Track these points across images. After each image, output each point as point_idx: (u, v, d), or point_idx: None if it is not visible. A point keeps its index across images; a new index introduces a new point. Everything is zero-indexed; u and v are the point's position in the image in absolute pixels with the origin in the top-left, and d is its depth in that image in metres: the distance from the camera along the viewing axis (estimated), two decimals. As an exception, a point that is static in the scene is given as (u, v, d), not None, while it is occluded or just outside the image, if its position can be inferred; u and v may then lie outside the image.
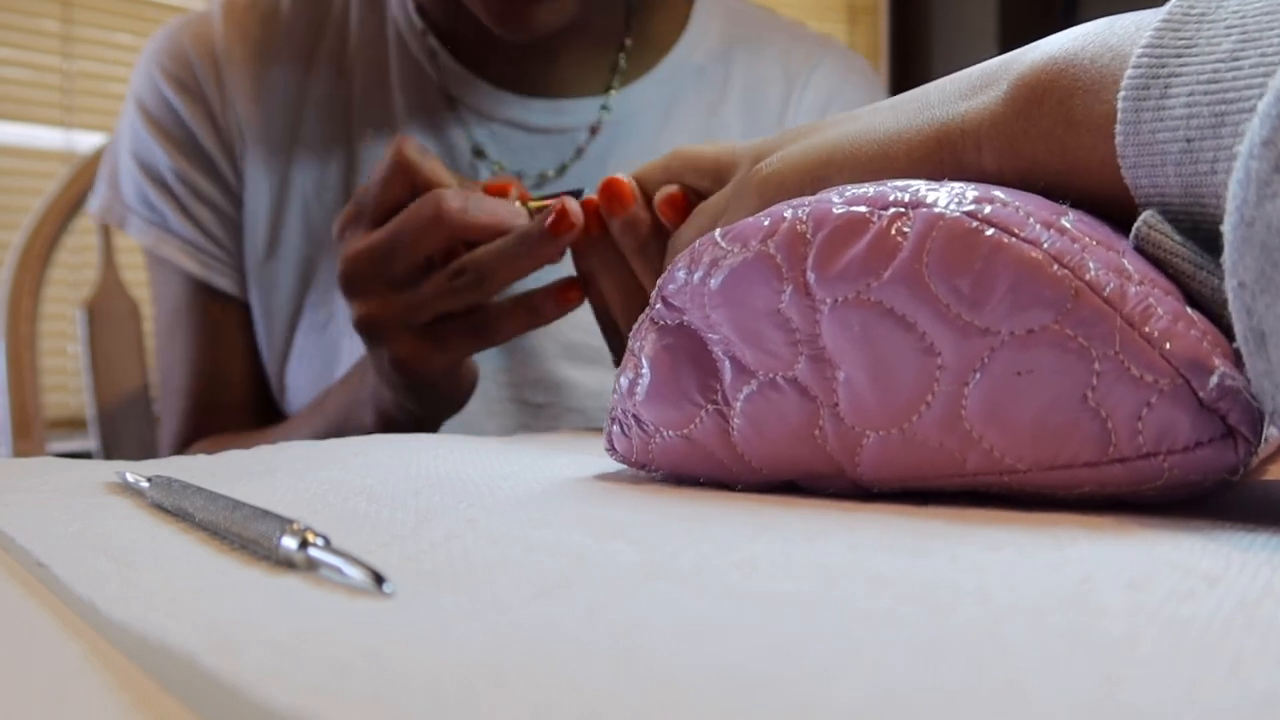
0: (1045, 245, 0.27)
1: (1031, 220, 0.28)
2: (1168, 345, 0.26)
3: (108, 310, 0.91)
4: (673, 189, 0.50)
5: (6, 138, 1.87)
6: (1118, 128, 0.29)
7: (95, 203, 0.77)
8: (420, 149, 0.53)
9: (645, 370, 0.34)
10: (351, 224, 0.54)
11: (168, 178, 0.73)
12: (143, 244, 0.75)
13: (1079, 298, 0.26)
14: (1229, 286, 0.23)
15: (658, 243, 0.51)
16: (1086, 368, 0.26)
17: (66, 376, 1.78)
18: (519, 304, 0.54)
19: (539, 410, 0.73)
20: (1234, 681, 0.14)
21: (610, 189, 0.51)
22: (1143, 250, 0.29)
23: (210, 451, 0.71)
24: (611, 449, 0.36)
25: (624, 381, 0.35)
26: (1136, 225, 0.29)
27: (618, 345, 0.56)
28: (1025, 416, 0.27)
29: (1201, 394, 0.26)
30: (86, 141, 1.91)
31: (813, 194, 0.33)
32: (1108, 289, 0.27)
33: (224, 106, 0.73)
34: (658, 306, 0.34)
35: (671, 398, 0.33)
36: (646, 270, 0.51)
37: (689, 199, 0.50)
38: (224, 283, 0.74)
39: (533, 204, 0.53)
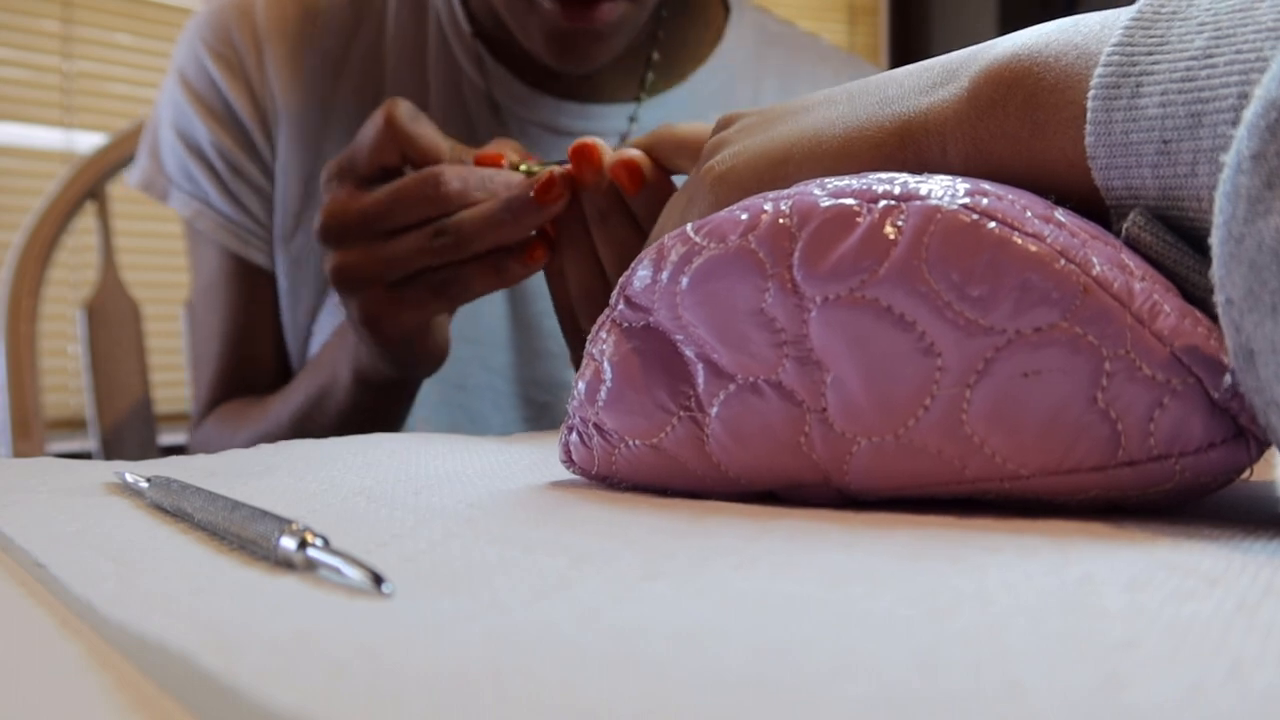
0: (1049, 239, 0.26)
1: (1029, 214, 0.27)
2: (1178, 343, 0.25)
3: (108, 310, 0.91)
4: (632, 153, 0.50)
5: (6, 138, 1.87)
6: (1088, 128, 0.29)
7: (136, 174, 0.78)
8: (412, 113, 0.53)
9: (608, 375, 0.32)
10: (338, 177, 0.54)
11: (208, 153, 0.74)
12: (183, 216, 0.76)
13: (1088, 294, 0.25)
14: (1218, 301, 0.23)
15: (621, 216, 0.51)
16: (1097, 367, 0.25)
17: (66, 376, 1.78)
18: (485, 264, 0.53)
19: (542, 408, 0.75)
20: (1234, 683, 0.14)
21: (581, 152, 0.51)
22: (1133, 250, 0.28)
23: (229, 416, 0.73)
24: (569, 461, 0.34)
25: (582, 387, 0.33)
26: (1125, 225, 0.28)
27: (574, 340, 0.56)
28: (1032, 419, 0.26)
29: (1215, 394, 0.25)
30: (86, 141, 1.91)
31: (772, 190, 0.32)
32: (1115, 285, 0.26)
33: (262, 83, 0.74)
34: (620, 307, 0.32)
35: (638, 405, 0.31)
36: (607, 241, 0.52)
37: (642, 166, 0.50)
38: (259, 257, 0.75)
39: (526, 167, 0.53)
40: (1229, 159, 0.22)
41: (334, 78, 0.75)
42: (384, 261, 0.53)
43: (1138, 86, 0.28)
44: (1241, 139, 0.22)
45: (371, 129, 0.53)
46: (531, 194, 0.51)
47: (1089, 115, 0.29)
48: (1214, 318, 0.26)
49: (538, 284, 0.71)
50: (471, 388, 0.74)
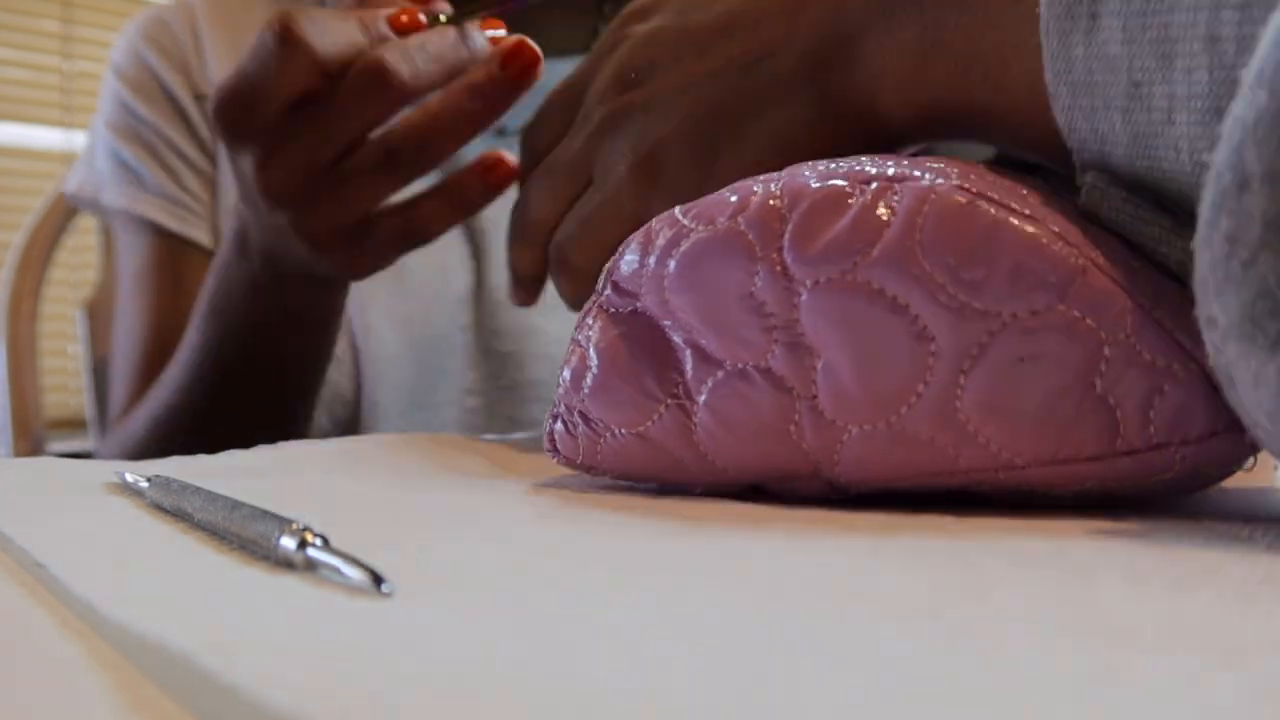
0: (1046, 221, 0.26)
1: (1026, 194, 0.26)
2: (1180, 328, 0.25)
3: (108, 310, 0.91)
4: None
5: (6, 138, 1.88)
6: (1046, 64, 0.27)
7: (70, 183, 0.76)
8: (310, 20, 0.42)
9: (593, 362, 0.31)
10: (241, 118, 0.44)
11: (144, 132, 0.73)
12: (117, 207, 0.72)
13: (1086, 276, 0.25)
14: (1200, 316, 0.22)
15: None
16: (1095, 352, 0.25)
17: (66, 376, 1.78)
18: (442, 195, 0.47)
19: (506, 357, 0.73)
20: (1232, 669, 0.14)
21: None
22: (1091, 215, 0.27)
23: (138, 406, 0.64)
24: (553, 450, 0.33)
25: (568, 374, 0.32)
26: (1086, 188, 0.27)
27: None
28: (1027, 407, 0.25)
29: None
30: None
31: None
32: (1115, 267, 0.25)
33: (200, 67, 0.73)
34: (606, 293, 0.32)
35: (625, 392, 0.30)
36: None
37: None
38: (200, 235, 0.71)
39: (444, 18, 0.45)
40: (1217, 164, 0.21)
41: None
42: (336, 205, 0.45)
43: (1093, 18, 0.26)
44: (1240, 149, 0.20)
45: (267, 58, 0.42)
46: (500, 70, 0.43)
47: (1045, 50, 0.27)
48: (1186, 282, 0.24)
49: (495, 241, 0.70)
50: (435, 343, 0.72)
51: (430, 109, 0.44)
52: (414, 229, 0.48)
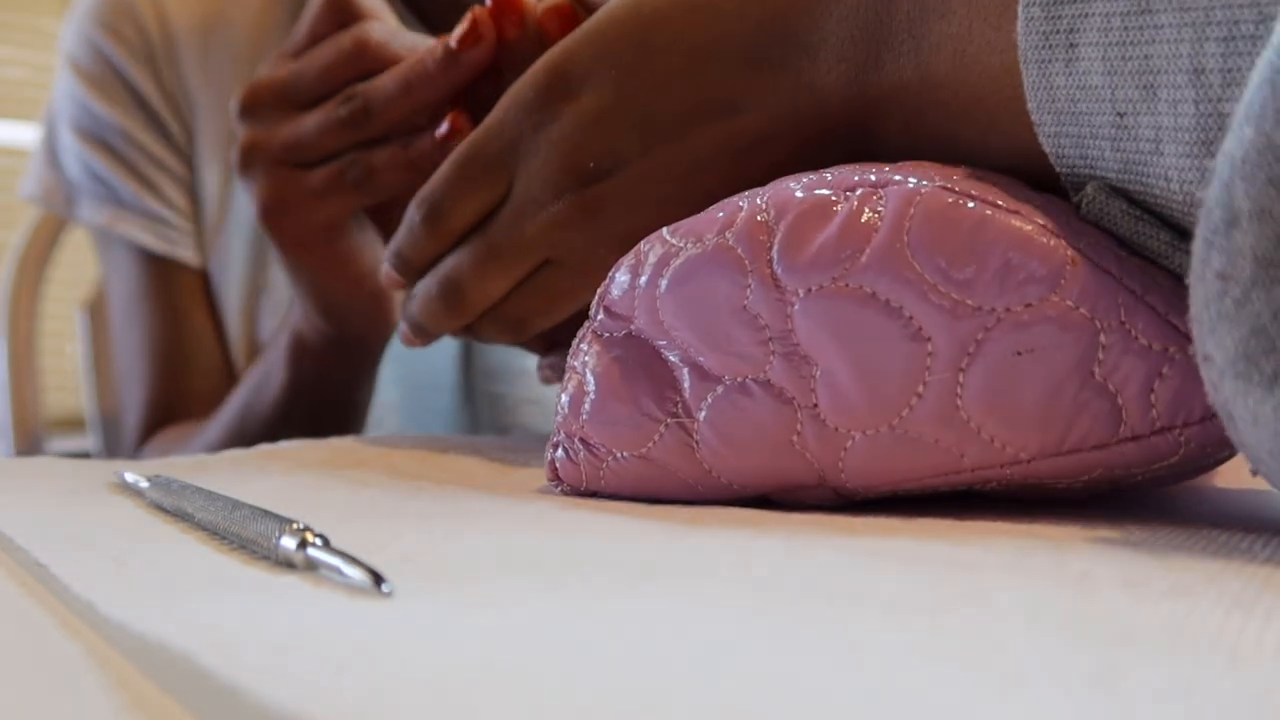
0: (1031, 215, 0.26)
1: (1008, 191, 0.27)
2: (1175, 309, 0.25)
3: (107, 311, 0.91)
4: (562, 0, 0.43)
5: (6, 138, 1.87)
6: (1028, 94, 0.27)
7: (31, 185, 0.71)
8: None
9: (591, 387, 0.31)
10: (275, 63, 0.49)
11: (115, 142, 0.67)
12: (95, 225, 0.69)
13: (1075, 267, 0.25)
14: (1196, 354, 0.21)
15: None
16: (1091, 341, 0.25)
17: (66, 376, 1.78)
18: (395, 146, 0.47)
19: (497, 399, 0.70)
20: (1231, 673, 0.14)
21: (502, 2, 0.44)
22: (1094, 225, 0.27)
23: (170, 444, 0.65)
24: (555, 479, 0.32)
25: (566, 401, 0.32)
26: (1085, 201, 0.27)
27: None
28: (1028, 400, 0.26)
29: None
30: (86, 141, 1.90)
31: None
32: (1104, 255, 0.25)
33: (171, 64, 0.68)
34: (599, 317, 0.32)
35: (624, 415, 0.30)
36: None
37: (577, 12, 0.42)
38: (186, 254, 0.69)
39: None
40: (1207, 200, 0.21)
41: (250, 62, 0.67)
42: (289, 138, 0.47)
43: (1071, 46, 0.25)
44: (1229, 185, 0.20)
45: (313, 6, 0.48)
46: (451, 42, 0.43)
47: (1026, 81, 0.27)
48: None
49: None
50: (429, 379, 0.69)
51: (381, 75, 0.46)
52: (359, 175, 0.47)
